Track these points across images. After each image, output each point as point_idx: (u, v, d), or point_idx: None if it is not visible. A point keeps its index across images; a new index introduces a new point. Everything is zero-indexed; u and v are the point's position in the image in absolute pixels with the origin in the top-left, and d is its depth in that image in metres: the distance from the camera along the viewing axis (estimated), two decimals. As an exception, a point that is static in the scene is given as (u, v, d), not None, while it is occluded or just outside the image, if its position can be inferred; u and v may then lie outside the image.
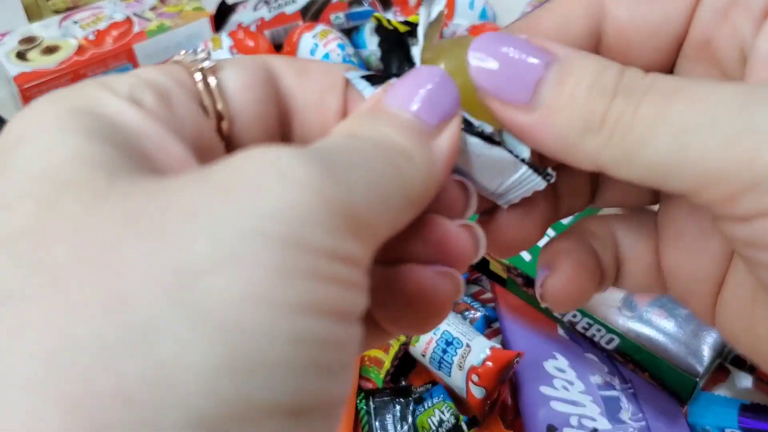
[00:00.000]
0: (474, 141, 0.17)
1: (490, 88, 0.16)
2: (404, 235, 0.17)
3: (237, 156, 0.13)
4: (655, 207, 0.22)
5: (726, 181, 0.14)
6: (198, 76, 0.16)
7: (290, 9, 0.85)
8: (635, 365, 0.49)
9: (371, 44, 0.83)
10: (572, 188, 0.21)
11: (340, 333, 0.12)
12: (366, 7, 0.83)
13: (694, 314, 0.20)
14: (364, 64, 0.84)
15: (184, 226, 0.11)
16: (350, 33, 0.86)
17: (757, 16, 0.16)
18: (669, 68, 0.19)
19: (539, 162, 0.18)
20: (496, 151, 0.17)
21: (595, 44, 0.19)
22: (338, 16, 0.84)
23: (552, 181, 0.18)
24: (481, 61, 0.16)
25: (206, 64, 0.17)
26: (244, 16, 0.86)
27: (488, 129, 0.17)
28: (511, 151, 0.17)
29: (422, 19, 0.18)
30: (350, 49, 0.80)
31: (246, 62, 0.17)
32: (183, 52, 0.17)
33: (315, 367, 0.12)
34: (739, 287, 0.18)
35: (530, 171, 0.17)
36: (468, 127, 0.17)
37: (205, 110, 0.16)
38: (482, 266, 0.55)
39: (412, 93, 0.16)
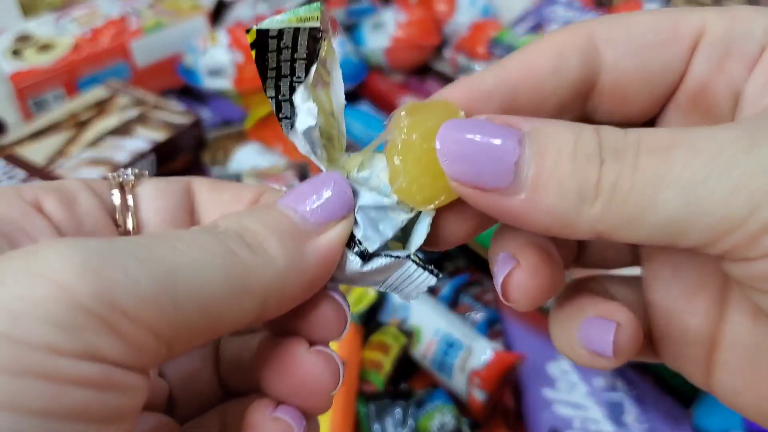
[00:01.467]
0: (353, 259, 0.17)
1: (466, 179, 0.15)
2: (262, 361, 0.17)
3: (26, 247, 0.13)
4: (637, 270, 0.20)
5: (745, 226, 0.13)
6: (115, 192, 0.18)
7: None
8: (639, 368, 0.48)
9: (371, 41, 0.82)
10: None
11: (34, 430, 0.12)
12: (365, 4, 0.82)
13: (690, 379, 0.19)
14: (365, 60, 0.83)
15: None
16: (350, 29, 0.85)
17: (751, 61, 0.16)
18: (654, 116, 0.18)
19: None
20: (378, 262, 0.17)
21: (588, 89, 0.18)
22: (338, 13, 0.83)
23: (440, 276, 0.18)
24: (450, 153, 0.15)
25: (126, 178, 0.18)
26: (241, 12, 0.85)
27: (373, 245, 0.17)
28: (396, 256, 0.17)
29: (303, 148, 0.18)
30: (350, 46, 0.79)
31: (166, 180, 0.19)
32: (111, 174, 0.19)
33: None
34: (737, 345, 0.17)
35: (416, 267, 0.18)
36: (352, 243, 0.17)
37: (116, 223, 0.18)
38: (484, 265, 0.55)
39: (301, 192, 0.16)
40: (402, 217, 0.18)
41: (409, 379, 0.51)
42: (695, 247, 0.14)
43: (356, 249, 0.17)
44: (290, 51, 0.17)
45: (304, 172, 0.62)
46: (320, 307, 0.17)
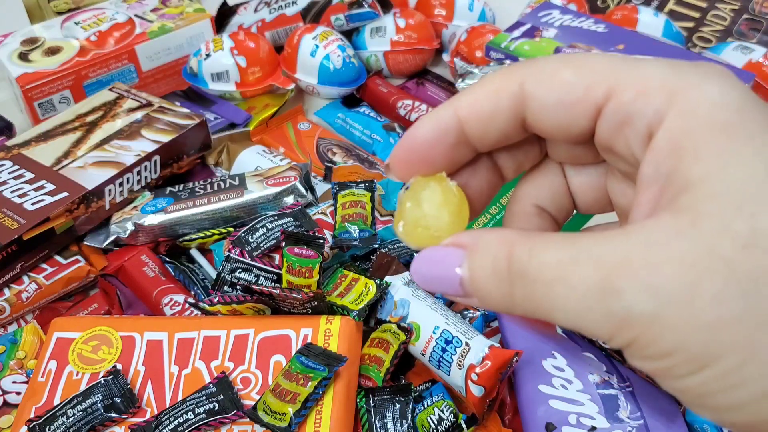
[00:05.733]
0: None
1: (434, 291, 0.23)
2: None
3: None
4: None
5: (611, 337, 0.19)
6: None
7: (291, 11, 0.86)
8: (633, 364, 0.49)
9: (371, 46, 0.83)
10: (518, 149, 0.25)
11: None
12: (366, 9, 0.83)
13: None
14: (365, 65, 0.84)
15: None
16: (350, 34, 0.86)
17: (643, 136, 0.20)
18: (589, 140, 0.22)
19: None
20: None
21: (521, 124, 0.22)
22: (339, 18, 0.84)
23: None
24: (420, 281, 0.23)
25: None
26: (245, 17, 0.86)
27: None
28: None
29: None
30: (350, 51, 0.80)
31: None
32: None
33: None
34: None
35: None
36: None
37: None
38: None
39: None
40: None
41: (408, 375, 0.52)
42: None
43: None
44: None
45: (305, 173, 0.63)
46: None
